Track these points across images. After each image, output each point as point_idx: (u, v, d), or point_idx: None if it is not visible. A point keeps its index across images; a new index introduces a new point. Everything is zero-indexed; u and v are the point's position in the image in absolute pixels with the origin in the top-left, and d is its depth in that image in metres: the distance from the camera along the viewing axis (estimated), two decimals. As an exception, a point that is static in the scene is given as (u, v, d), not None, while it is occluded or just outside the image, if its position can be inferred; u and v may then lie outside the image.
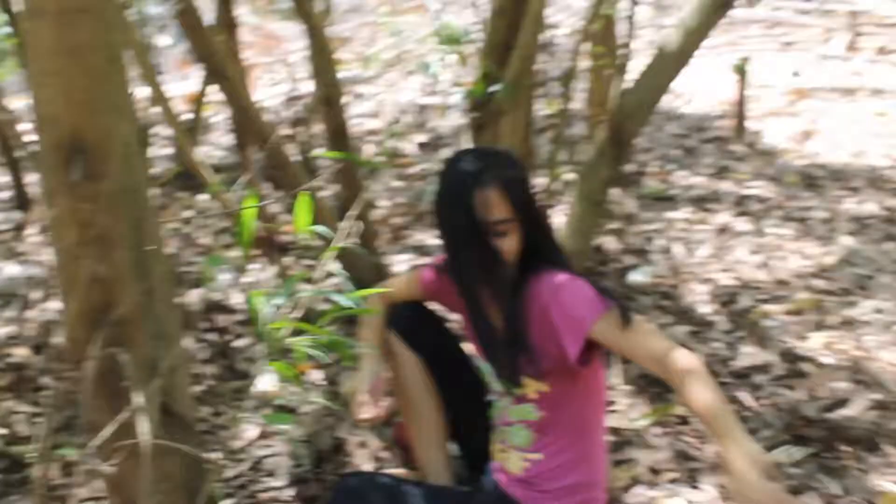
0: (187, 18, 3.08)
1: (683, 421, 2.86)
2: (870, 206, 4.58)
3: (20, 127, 3.93)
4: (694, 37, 3.29)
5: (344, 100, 3.76)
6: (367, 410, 2.27)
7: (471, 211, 2.03)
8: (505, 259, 2.07)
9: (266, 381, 3.18)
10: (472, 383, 2.48)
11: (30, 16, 1.69)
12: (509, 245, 2.07)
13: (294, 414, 3.01)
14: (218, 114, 6.61)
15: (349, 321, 3.52)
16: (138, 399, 1.73)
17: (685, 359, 1.79)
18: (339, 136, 3.77)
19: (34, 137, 1.81)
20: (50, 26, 1.68)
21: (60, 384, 1.89)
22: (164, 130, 6.07)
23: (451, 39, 3.46)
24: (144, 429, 1.62)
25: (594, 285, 2.00)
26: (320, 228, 1.54)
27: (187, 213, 4.82)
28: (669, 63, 3.30)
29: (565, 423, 2.18)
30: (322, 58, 3.72)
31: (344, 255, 3.49)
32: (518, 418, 2.22)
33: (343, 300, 1.51)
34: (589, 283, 2.01)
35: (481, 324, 2.19)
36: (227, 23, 4.11)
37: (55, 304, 3.72)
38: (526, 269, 2.11)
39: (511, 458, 2.26)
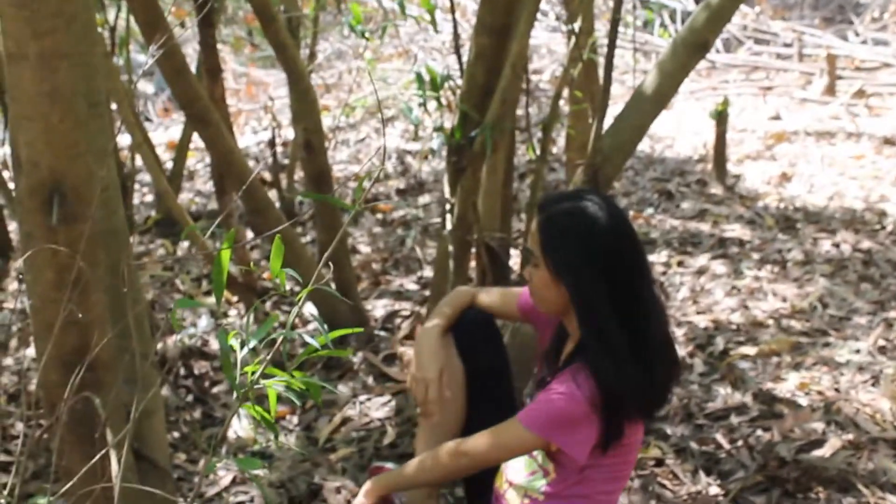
0: (171, 63, 3.10)
1: (658, 463, 2.87)
2: (846, 247, 4.62)
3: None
4: (671, 80, 3.33)
5: (326, 145, 3.79)
6: (436, 405, 2.30)
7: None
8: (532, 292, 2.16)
9: (240, 426, 3.17)
10: (505, 415, 2.45)
11: (11, 60, 1.71)
12: (535, 280, 2.13)
13: (269, 459, 3.01)
14: (200, 161, 6.64)
15: (326, 366, 3.52)
16: (110, 443, 1.73)
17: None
18: (320, 182, 3.80)
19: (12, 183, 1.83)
20: (31, 71, 1.70)
21: (33, 431, 1.89)
22: (145, 177, 6.09)
23: (431, 84, 3.49)
24: (115, 472, 1.62)
25: (568, 414, 2.04)
26: (291, 272, 1.55)
27: (167, 259, 4.83)
28: (647, 106, 3.33)
29: (573, 478, 2.15)
30: (304, 103, 3.75)
31: (323, 301, 3.50)
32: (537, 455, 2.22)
33: (316, 343, 1.52)
34: (566, 409, 2.04)
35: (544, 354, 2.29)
36: (211, 69, 4.14)
37: (32, 352, 3.71)
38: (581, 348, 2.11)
39: (510, 493, 2.25)
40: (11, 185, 3.63)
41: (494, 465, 2.26)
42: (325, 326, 1.60)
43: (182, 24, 6.44)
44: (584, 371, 2.03)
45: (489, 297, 2.49)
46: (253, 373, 1.56)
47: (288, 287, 1.77)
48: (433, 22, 3.37)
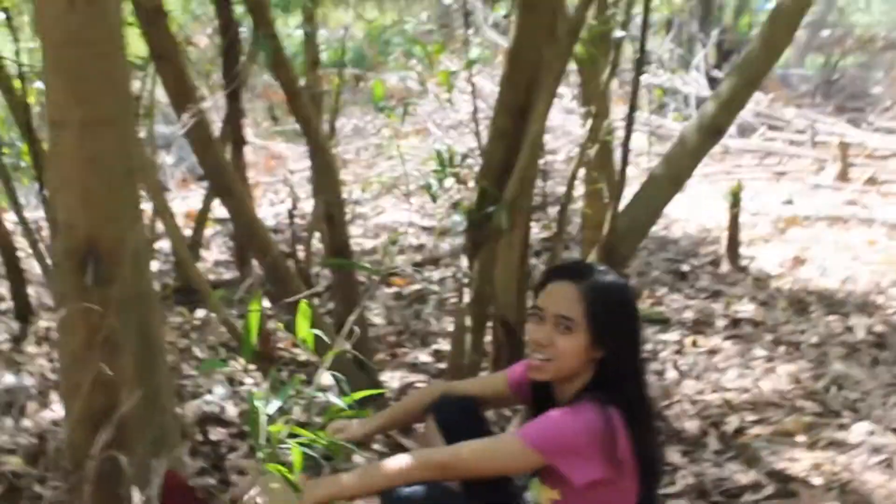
0: (200, 134, 3.18)
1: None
2: (859, 331, 4.63)
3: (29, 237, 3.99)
4: (686, 163, 3.40)
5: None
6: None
7: (536, 296, 2.21)
8: (544, 353, 2.15)
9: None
10: (496, 491, 2.35)
11: (53, 127, 1.77)
12: (565, 344, 2.13)
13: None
14: (218, 231, 6.71)
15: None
16: (136, 502, 1.76)
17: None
18: (340, 254, 3.86)
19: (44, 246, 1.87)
20: (73, 136, 1.77)
21: (56, 492, 1.92)
22: (164, 245, 6.14)
23: (450, 162, 3.56)
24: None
25: (573, 435, 2.08)
26: (319, 332, 1.60)
27: (185, 326, 4.87)
28: (662, 188, 3.40)
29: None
30: (326, 176, 3.82)
31: (340, 372, 3.53)
32: None
33: (341, 402, 1.56)
34: (572, 430, 2.08)
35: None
36: (235, 140, 4.23)
37: (51, 414, 3.73)
38: (589, 391, 2.16)
39: None
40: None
41: (475, 478, 2.19)
42: (347, 388, 1.65)
43: (204, 98, 6.57)
44: (590, 405, 2.09)
45: (468, 384, 2.55)
46: (278, 432, 1.60)
47: (304, 357, 1.80)
48: (450, 95, 3.47)
